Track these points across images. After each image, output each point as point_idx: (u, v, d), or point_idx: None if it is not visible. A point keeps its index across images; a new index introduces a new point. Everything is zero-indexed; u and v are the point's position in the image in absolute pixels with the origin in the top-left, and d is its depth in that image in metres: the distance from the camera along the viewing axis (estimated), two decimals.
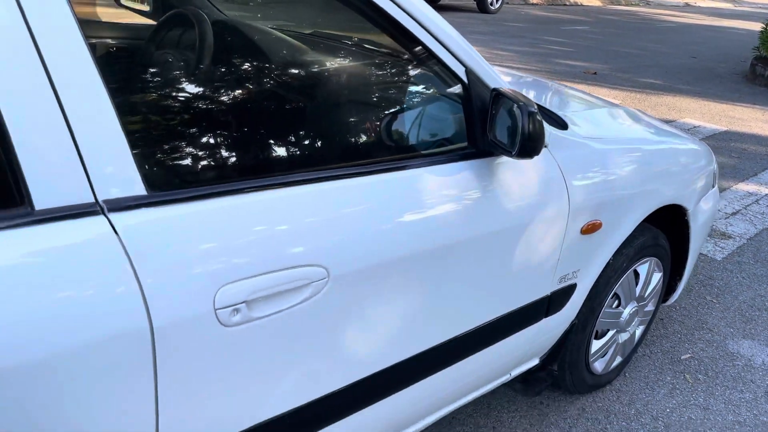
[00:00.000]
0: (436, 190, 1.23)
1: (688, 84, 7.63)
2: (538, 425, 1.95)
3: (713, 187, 2.22)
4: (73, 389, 0.82)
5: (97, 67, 0.84)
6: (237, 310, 0.95)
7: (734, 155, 4.88)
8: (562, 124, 1.64)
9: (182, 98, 1.06)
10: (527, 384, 1.88)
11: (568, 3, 16.97)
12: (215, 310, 0.93)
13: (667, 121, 5.58)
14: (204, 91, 1.11)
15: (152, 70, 1.25)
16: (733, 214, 3.73)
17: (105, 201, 0.85)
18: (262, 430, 1.07)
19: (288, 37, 1.41)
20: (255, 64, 1.27)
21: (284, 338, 1.03)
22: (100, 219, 0.84)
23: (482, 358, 1.50)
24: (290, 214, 1.01)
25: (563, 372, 1.90)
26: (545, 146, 1.47)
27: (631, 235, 1.83)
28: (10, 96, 0.77)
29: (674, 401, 2.11)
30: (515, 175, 1.39)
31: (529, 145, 1.20)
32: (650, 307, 2.15)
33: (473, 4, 12.71)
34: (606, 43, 10.40)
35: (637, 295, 2.02)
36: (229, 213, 0.95)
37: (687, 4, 23.25)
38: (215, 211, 0.94)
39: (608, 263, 1.79)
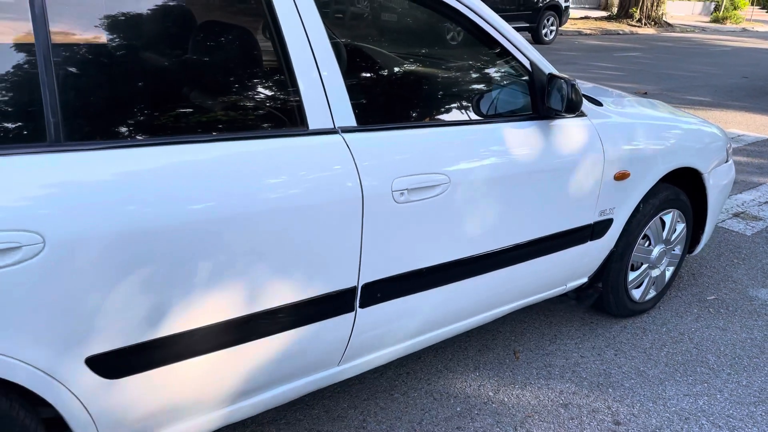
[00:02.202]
0: (515, 137, 1.94)
1: (737, 100, 8.08)
2: (589, 335, 2.59)
3: (727, 161, 2.84)
4: (322, 226, 1.56)
5: (334, 51, 1.60)
6: (402, 194, 1.68)
7: None
8: (598, 103, 2.33)
9: (380, 72, 1.81)
10: (579, 299, 2.54)
11: (622, 32, 17.48)
12: (392, 191, 1.66)
13: None
14: (397, 69, 1.86)
15: (362, 54, 1.98)
16: (766, 203, 4.25)
17: (339, 127, 1.60)
18: (418, 273, 1.77)
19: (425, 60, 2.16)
20: (426, 63, 2.02)
21: (427, 216, 1.75)
22: (337, 136, 1.59)
23: (546, 262, 2.17)
24: (429, 142, 1.74)
25: (607, 293, 2.55)
26: (585, 115, 2.17)
27: (655, 188, 2.48)
28: (301, 69, 1.54)
29: (698, 324, 2.71)
30: (565, 132, 2.08)
31: (571, 105, 1.91)
32: (677, 251, 2.77)
33: (528, 36, 13.45)
34: (658, 67, 10.91)
35: (664, 238, 2.65)
36: (399, 138, 1.69)
37: (744, 29, 23.32)
38: (396, 136, 1.68)
39: (638, 207, 2.44)
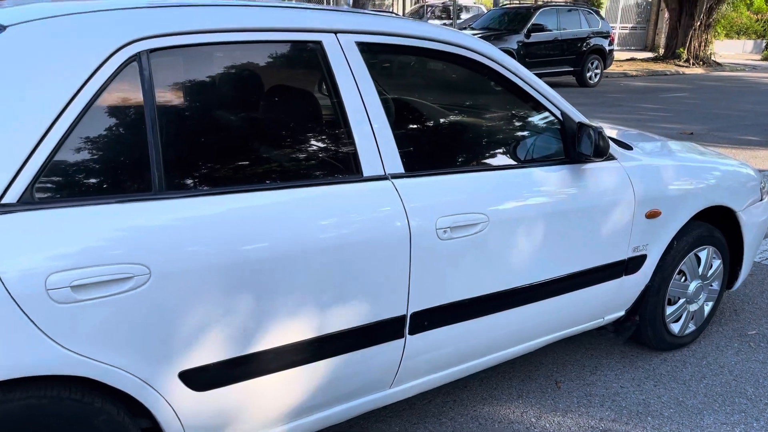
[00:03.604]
0: (548, 180, 2.14)
1: None
2: (629, 367, 2.70)
3: (762, 199, 2.95)
4: (376, 261, 1.78)
5: (383, 105, 1.85)
6: (445, 231, 1.90)
7: None
8: (628, 147, 2.52)
9: (423, 123, 2.05)
10: (617, 331, 2.67)
11: (669, 72, 17.46)
12: (436, 229, 1.88)
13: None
14: (439, 120, 2.10)
15: (406, 106, 2.23)
16: None
17: (389, 173, 1.84)
18: (461, 304, 1.97)
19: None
20: (465, 113, 2.26)
21: (468, 251, 1.95)
22: (387, 182, 1.83)
23: (583, 295, 2.33)
24: (469, 185, 1.96)
25: (645, 326, 2.67)
26: (615, 158, 2.35)
27: (688, 225, 2.62)
28: (356, 124, 1.79)
29: (738, 358, 2.78)
30: (595, 174, 2.27)
31: (599, 150, 2.11)
32: (715, 287, 2.87)
33: (572, 80, 13.63)
34: (705, 107, 10.90)
35: (700, 273, 2.76)
36: (442, 182, 1.91)
37: None
38: (440, 181, 1.91)
39: (672, 244, 2.58)
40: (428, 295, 1.92)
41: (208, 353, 1.57)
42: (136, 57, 1.51)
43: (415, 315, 1.91)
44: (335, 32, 1.83)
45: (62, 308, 1.36)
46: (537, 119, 2.25)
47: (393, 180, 1.84)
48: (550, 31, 12.77)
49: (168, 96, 1.57)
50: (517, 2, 23.34)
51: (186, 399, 1.57)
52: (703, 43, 19.37)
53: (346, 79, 1.81)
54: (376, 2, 23.01)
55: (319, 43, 1.80)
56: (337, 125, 1.80)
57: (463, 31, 2.04)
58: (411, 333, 1.92)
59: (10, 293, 1.30)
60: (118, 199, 1.45)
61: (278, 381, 1.71)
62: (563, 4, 15.37)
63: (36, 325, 1.34)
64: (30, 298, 1.32)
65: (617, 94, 12.54)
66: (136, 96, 1.52)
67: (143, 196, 1.48)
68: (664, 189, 2.45)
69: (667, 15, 21.81)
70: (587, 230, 2.25)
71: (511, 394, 2.48)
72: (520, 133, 2.23)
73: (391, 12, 2.43)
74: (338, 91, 1.80)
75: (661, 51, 20.92)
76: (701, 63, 19.17)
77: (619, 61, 18.91)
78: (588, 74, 13.38)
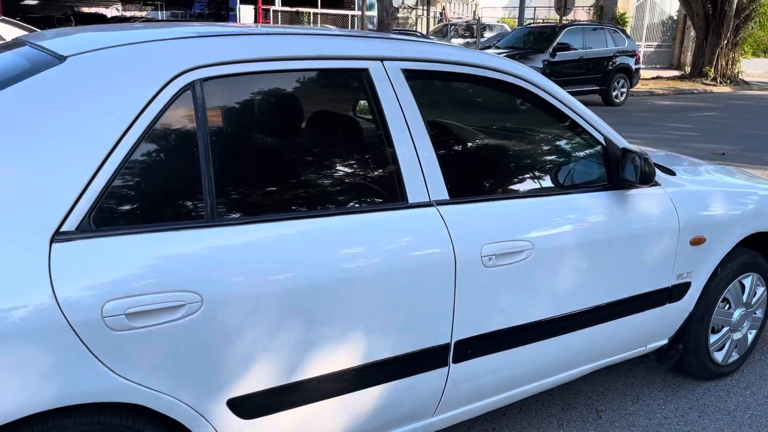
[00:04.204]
0: (592, 206, 2.12)
1: None
2: (672, 396, 2.64)
3: None
4: (421, 288, 1.76)
5: (430, 137, 1.85)
6: (490, 258, 1.88)
7: None
8: (671, 173, 2.48)
9: (466, 149, 2.04)
10: (660, 360, 2.62)
11: (696, 91, 17.29)
12: (481, 257, 1.86)
13: None
14: (482, 145, 2.09)
15: (449, 132, 2.22)
16: None
17: (434, 200, 1.84)
18: (505, 332, 1.94)
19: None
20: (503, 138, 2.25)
21: (512, 279, 1.93)
22: (433, 209, 1.82)
23: (626, 323, 2.29)
24: (513, 212, 1.94)
25: (688, 355, 2.61)
26: (659, 184, 2.32)
27: (733, 252, 2.57)
28: (402, 151, 1.79)
29: None
30: (639, 201, 2.24)
31: (645, 176, 2.08)
32: (759, 315, 2.80)
33: (598, 98, 13.56)
34: (735, 127, 10.75)
35: (744, 301, 2.70)
36: (487, 209, 1.90)
37: None
38: (484, 208, 1.89)
39: (716, 271, 2.53)
40: (472, 324, 1.89)
41: (256, 381, 1.57)
42: (190, 86, 1.53)
43: (459, 343, 1.89)
44: (381, 59, 1.84)
45: (117, 336, 1.37)
46: (579, 144, 2.23)
47: (438, 206, 1.83)
48: (576, 50, 12.74)
49: (220, 124, 1.58)
50: (541, 21, 23.37)
51: (234, 427, 1.56)
52: (730, 62, 19.17)
53: (391, 105, 1.81)
54: (399, 21, 23.20)
55: (365, 70, 1.81)
56: (383, 152, 1.80)
57: (488, 50, 2.02)
58: (455, 361, 1.90)
59: (68, 320, 1.31)
60: (172, 226, 1.46)
61: (324, 409, 1.70)
62: (588, 22, 15.35)
63: (92, 352, 1.35)
64: (87, 326, 1.33)
65: (644, 113, 12.44)
66: (190, 124, 1.53)
67: (196, 224, 1.49)
68: (708, 215, 2.41)
69: (692, 33, 21.66)
70: (631, 257, 2.21)
71: (551, 423, 2.43)
72: (562, 159, 2.21)
73: (417, 32, 2.43)
74: (384, 117, 1.80)
75: (688, 69, 20.73)
76: (728, 81, 18.96)
77: (645, 79, 18.78)
78: (614, 93, 13.29)
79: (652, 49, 23.83)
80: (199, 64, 1.56)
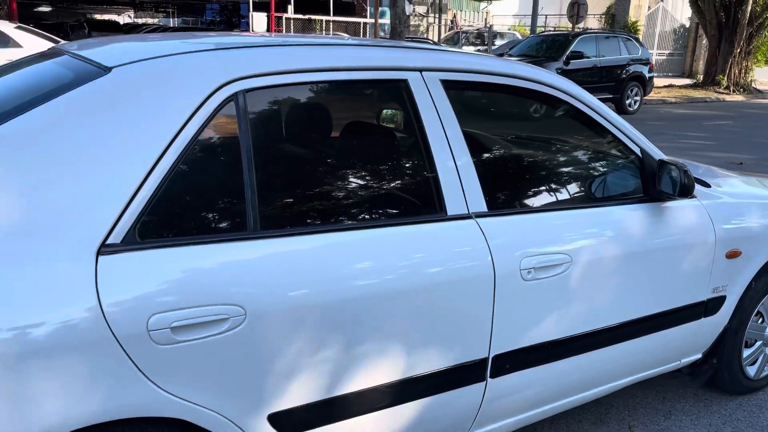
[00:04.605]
0: (628, 219, 2.09)
1: None
2: (704, 411, 2.59)
3: None
4: (460, 302, 1.74)
5: (468, 148, 1.83)
6: (529, 272, 1.85)
7: None
8: (705, 185, 2.45)
9: (503, 161, 2.03)
10: (693, 375, 2.58)
11: (709, 99, 17.20)
12: (520, 270, 1.84)
13: None
14: (518, 157, 2.07)
15: (484, 144, 2.20)
16: None
17: (472, 212, 1.81)
18: (542, 347, 1.91)
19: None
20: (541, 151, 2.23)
21: (550, 293, 1.90)
22: (472, 221, 1.80)
23: (663, 337, 2.25)
24: (552, 225, 1.91)
25: (721, 369, 2.56)
26: (695, 196, 2.28)
27: (767, 265, 2.53)
28: (441, 162, 1.77)
29: None
30: (675, 213, 2.20)
31: (684, 189, 2.05)
32: None
33: (612, 107, 13.51)
34: (751, 136, 10.67)
35: None
36: (525, 222, 1.88)
37: None
38: (523, 220, 1.87)
39: (750, 285, 2.49)
40: (510, 338, 1.87)
41: (296, 396, 1.55)
42: (233, 97, 1.52)
43: (496, 358, 1.86)
44: (420, 70, 1.82)
45: (162, 349, 1.35)
46: (615, 155, 2.20)
47: (477, 219, 1.81)
48: (589, 58, 12.70)
49: (263, 135, 1.57)
50: (552, 28, 23.35)
51: None
52: (743, 70, 19.06)
53: (430, 116, 1.80)
54: (411, 29, 23.25)
55: (404, 81, 1.79)
56: (422, 163, 1.78)
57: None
58: (492, 376, 1.87)
59: (114, 334, 1.30)
60: (215, 239, 1.45)
61: (361, 424, 1.67)
62: (601, 30, 15.32)
63: (137, 366, 1.33)
64: (132, 339, 1.32)
65: (658, 121, 12.37)
66: (233, 135, 1.52)
67: (239, 236, 1.48)
68: (744, 228, 2.37)
69: (705, 41, 21.57)
70: (668, 271, 2.18)
71: None
72: (599, 170, 2.19)
73: (430, 40, 2.42)
74: (423, 128, 1.78)
75: (700, 78, 20.63)
76: (741, 90, 18.85)
77: (657, 87, 18.68)
78: (627, 101, 13.23)
79: (664, 57, 23.73)
80: (242, 75, 1.54)
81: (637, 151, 2.19)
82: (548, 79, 2.05)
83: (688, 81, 21.48)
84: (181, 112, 1.45)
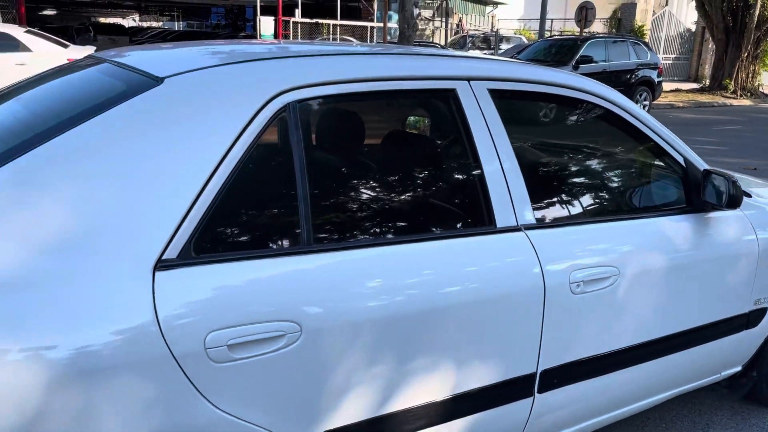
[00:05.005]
0: (672, 230, 2.05)
1: None
2: (743, 425, 2.55)
3: None
4: (509, 316, 1.70)
5: (517, 159, 1.79)
6: (578, 285, 1.81)
7: None
8: (746, 194, 2.41)
9: (550, 172, 1.99)
10: (732, 388, 2.53)
11: (716, 104, 17.15)
12: (569, 283, 1.80)
13: None
14: (563, 168, 2.04)
15: (529, 155, 2.16)
16: None
17: (521, 224, 1.78)
18: (588, 361, 1.88)
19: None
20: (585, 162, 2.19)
21: (598, 306, 1.86)
22: (521, 233, 1.76)
23: (706, 349, 2.21)
24: (599, 236, 1.88)
25: (761, 382, 2.52)
26: (738, 207, 2.24)
27: None
28: (490, 173, 1.73)
29: None
30: (719, 223, 2.17)
31: (733, 200, 2.01)
32: None
33: None
34: (762, 141, 10.62)
35: None
36: (574, 233, 1.84)
37: None
38: (571, 232, 1.83)
39: None
40: (558, 352, 1.83)
41: (348, 413, 1.51)
42: (286, 108, 1.49)
43: (545, 372, 1.82)
44: (468, 79, 1.79)
45: (219, 368, 1.32)
46: (659, 165, 2.17)
47: (526, 231, 1.77)
48: (598, 62, 12.67)
49: (315, 147, 1.54)
50: (558, 33, 23.32)
51: None
52: (750, 75, 19.03)
53: (479, 127, 1.76)
54: (417, 33, 23.22)
55: (453, 90, 1.76)
56: (471, 174, 1.75)
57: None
58: (540, 391, 1.83)
59: (171, 352, 1.26)
60: (270, 253, 1.41)
61: None
62: (610, 35, 15.29)
63: (194, 384, 1.29)
64: (190, 357, 1.28)
65: (667, 126, 12.30)
66: (286, 147, 1.49)
67: (293, 249, 1.44)
68: None
69: (711, 45, 21.55)
70: (712, 282, 2.14)
71: None
72: (642, 180, 2.15)
73: (437, 44, 2.39)
74: (472, 139, 1.75)
75: (706, 82, 20.59)
76: (749, 94, 18.81)
77: (665, 92, 18.63)
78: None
79: (670, 62, 23.70)
80: (294, 86, 1.51)
81: (681, 160, 2.15)
82: (595, 88, 2.01)
83: (694, 85, 21.45)
84: (236, 124, 1.42)
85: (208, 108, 1.41)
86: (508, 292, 1.69)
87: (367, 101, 1.65)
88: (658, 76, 13.52)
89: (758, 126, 12.85)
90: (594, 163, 2.13)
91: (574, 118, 2.11)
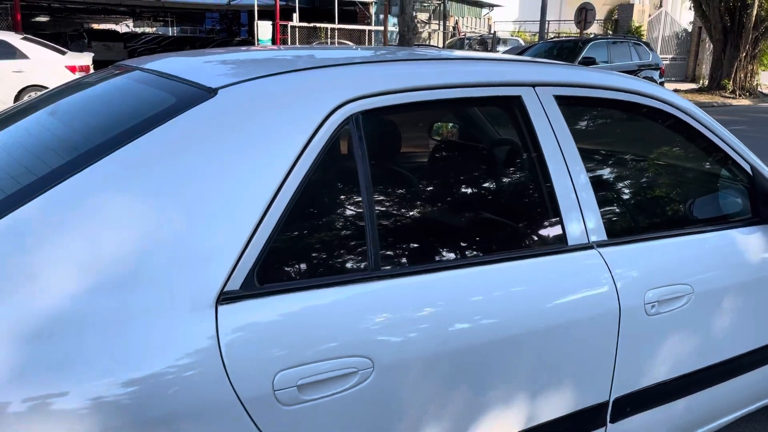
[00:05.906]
0: (744, 243, 1.92)
1: None
2: None
3: None
4: (583, 341, 1.57)
5: (589, 172, 1.66)
6: (653, 306, 1.68)
7: None
8: None
9: (618, 185, 1.87)
10: None
11: (716, 104, 17.11)
12: (644, 304, 1.67)
13: None
14: (629, 177, 1.91)
15: (603, 165, 2.02)
16: None
17: (593, 242, 1.64)
18: (662, 385, 1.74)
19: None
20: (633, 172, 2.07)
21: (672, 327, 1.73)
22: (593, 251, 1.63)
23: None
24: (671, 253, 1.75)
25: None
26: None
27: None
28: (560, 187, 1.60)
29: None
30: None
31: None
32: None
33: None
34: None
35: None
36: (646, 250, 1.71)
37: None
38: (643, 249, 1.70)
39: None
40: (631, 378, 1.70)
41: None
42: (350, 120, 1.35)
43: (617, 400, 1.69)
44: (533, 85, 1.66)
45: (288, 411, 1.18)
46: (725, 175, 2.04)
47: (598, 249, 1.64)
48: (600, 64, 12.59)
49: (379, 162, 1.40)
50: (555, 34, 23.28)
51: None
52: (748, 74, 19.00)
53: (547, 137, 1.63)
54: (416, 35, 23.14)
55: (518, 97, 1.63)
56: (540, 188, 1.62)
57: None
58: (612, 421, 1.70)
59: (238, 396, 1.12)
60: (336, 280, 1.28)
61: None
62: (612, 36, 15.22)
63: (261, 431, 1.15)
64: (258, 401, 1.14)
65: None
66: (350, 164, 1.35)
67: (360, 276, 1.30)
68: None
69: (708, 45, 21.53)
70: None
71: None
72: (710, 191, 2.02)
73: (434, 46, 2.25)
74: (540, 150, 1.62)
75: (704, 82, 20.57)
76: (747, 94, 18.78)
77: None
78: None
79: (667, 62, 23.64)
80: (357, 96, 1.37)
81: (747, 168, 2.03)
82: (664, 94, 1.89)
83: (692, 85, 21.42)
84: (297, 141, 1.28)
85: (268, 122, 1.27)
86: (582, 317, 1.56)
87: (431, 111, 1.52)
88: (660, 76, 13.47)
89: (762, 126, 12.79)
90: (660, 173, 2.01)
91: (640, 125, 1.98)
